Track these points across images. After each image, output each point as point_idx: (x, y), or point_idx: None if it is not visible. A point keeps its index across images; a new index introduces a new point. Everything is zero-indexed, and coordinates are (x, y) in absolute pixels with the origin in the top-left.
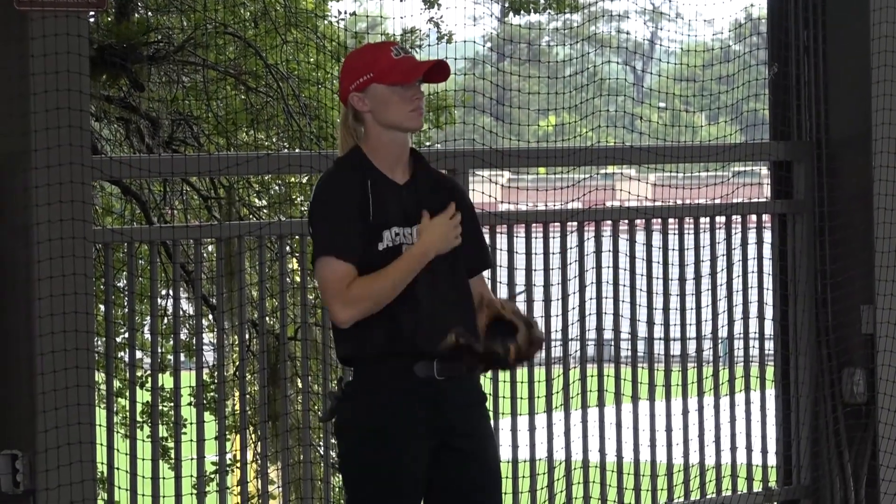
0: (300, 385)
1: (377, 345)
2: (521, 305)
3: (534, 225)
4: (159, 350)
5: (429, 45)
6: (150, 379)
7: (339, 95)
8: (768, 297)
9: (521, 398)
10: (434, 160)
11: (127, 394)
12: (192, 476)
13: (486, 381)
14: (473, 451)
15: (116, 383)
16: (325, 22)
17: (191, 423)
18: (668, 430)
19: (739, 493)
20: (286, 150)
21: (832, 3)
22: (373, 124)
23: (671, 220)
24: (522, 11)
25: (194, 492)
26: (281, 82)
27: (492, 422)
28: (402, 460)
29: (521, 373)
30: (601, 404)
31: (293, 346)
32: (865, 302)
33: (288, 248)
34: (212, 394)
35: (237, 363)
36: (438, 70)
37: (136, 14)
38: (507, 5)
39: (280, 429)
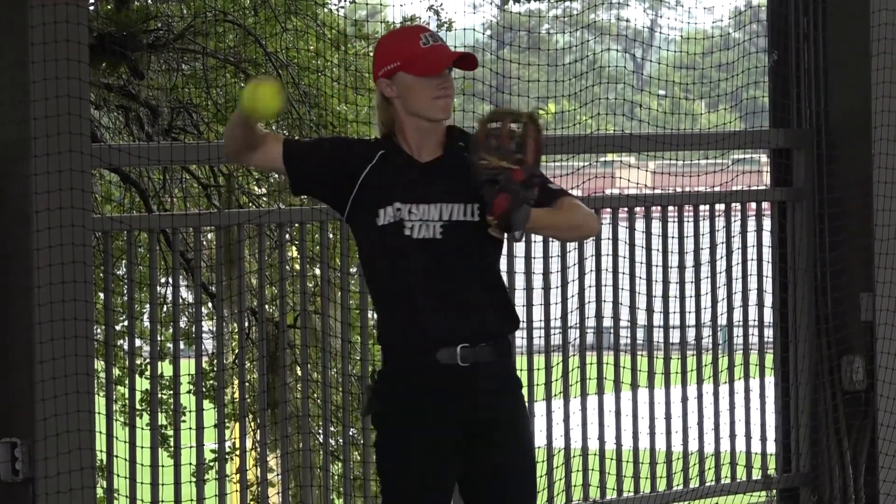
0: (299, 373)
1: (399, 333)
2: (519, 294)
3: None
4: (159, 338)
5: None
6: (149, 367)
7: (372, 77)
8: (767, 285)
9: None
10: None
11: (126, 382)
12: (191, 464)
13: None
14: (502, 438)
15: (116, 371)
16: (325, 10)
17: (190, 411)
18: (668, 417)
19: (738, 480)
20: None
21: None
22: (400, 109)
23: (671, 208)
24: None
25: (193, 479)
26: (281, 70)
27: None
28: (431, 451)
29: (520, 361)
30: (601, 392)
31: (293, 334)
32: (865, 289)
33: (287, 236)
34: (211, 382)
35: (236, 351)
36: (466, 60)
37: (135, 2)
38: None
39: (279, 417)
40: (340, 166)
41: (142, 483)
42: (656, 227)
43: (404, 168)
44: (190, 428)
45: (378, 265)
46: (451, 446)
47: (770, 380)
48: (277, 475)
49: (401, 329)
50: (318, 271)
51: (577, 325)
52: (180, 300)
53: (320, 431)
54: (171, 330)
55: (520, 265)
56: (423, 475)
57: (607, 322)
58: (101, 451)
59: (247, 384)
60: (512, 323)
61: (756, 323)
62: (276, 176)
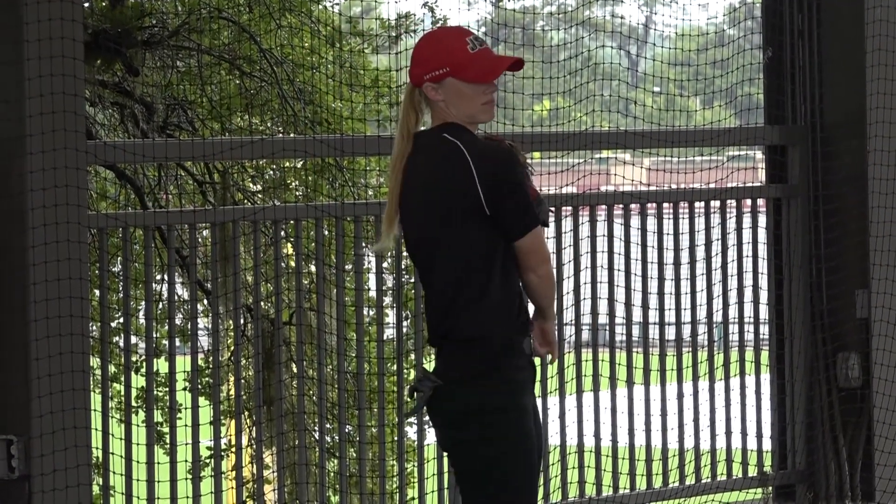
0: (295, 370)
1: (511, 321)
2: None
3: None
4: (154, 335)
5: (423, 30)
6: (144, 364)
7: (409, 77)
8: (763, 282)
9: None
10: None
11: (122, 379)
12: (187, 461)
13: None
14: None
15: (111, 368)
16: (320, 7)
17: (186, 408)
18: (664, 414)
19: (734, 477)
20: (281, 135)
21: None
22: (444, 110)
23: (666, 205)
24: None
25: (189, 476)
26: (275, 67)
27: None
28: (537, 435)
29: None
30: (596, 388)
31: (288, 330)
32: (860, 286)
33: (283, 232)
34: (207, 378)
35: (232, 348)
36: (516, 64)
37: None
38: None
39: (275, 413)
40: None
41: (138, 480)
42: (651, 223)
43: None
44: (186, 425)
45: (509, 255)
46: None
47: (766, 377)
48: (273, 472)
49: (514, 318)
50: (313, 268)
51: (573, 323)
52: (176, 297)
53: (316, 428)
54: (166, 327)
55: None
56: (539, 461)
57: (603, 319)
58: (97, 448)
59: (242, 381)
60: None
61: (751, 320)
62: (271, 172)
